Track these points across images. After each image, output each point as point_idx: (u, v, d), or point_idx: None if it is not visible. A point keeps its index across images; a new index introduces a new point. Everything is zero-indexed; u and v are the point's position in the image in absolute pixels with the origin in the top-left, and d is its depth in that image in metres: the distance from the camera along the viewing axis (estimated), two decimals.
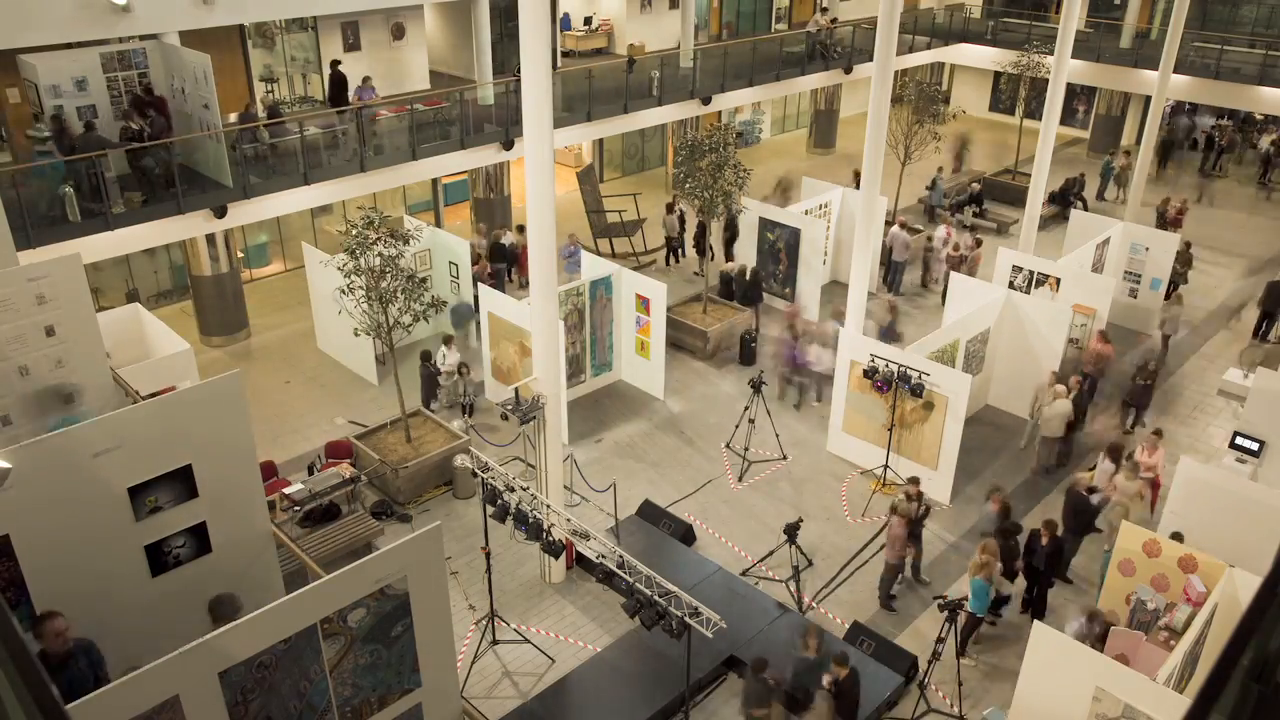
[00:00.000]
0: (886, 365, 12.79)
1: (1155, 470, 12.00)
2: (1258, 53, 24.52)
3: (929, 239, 19.92)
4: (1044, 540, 10.92)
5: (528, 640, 10.65)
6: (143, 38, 15.36)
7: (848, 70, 24.93)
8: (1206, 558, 9.20)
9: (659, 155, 26.50)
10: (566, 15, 25.59)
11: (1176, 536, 9.74)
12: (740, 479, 13.67)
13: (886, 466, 13.37)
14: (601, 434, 14.65)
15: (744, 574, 11.79)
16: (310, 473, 12.70)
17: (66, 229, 13.37)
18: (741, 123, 28.46)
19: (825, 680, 9.09)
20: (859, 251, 14.08)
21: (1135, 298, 17.76)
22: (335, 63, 17.75)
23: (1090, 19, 28.51)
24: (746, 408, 13.90)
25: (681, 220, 20.35)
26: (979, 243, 19.07)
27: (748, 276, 17.59)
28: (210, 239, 15.95)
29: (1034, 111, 22.72)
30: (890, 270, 19.51)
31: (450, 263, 16.70)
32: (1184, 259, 18.40)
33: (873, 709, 9.68)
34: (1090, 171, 24.98)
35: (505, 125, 18.21)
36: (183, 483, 6.65)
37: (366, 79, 17.63)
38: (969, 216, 22.59)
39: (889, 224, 19.61)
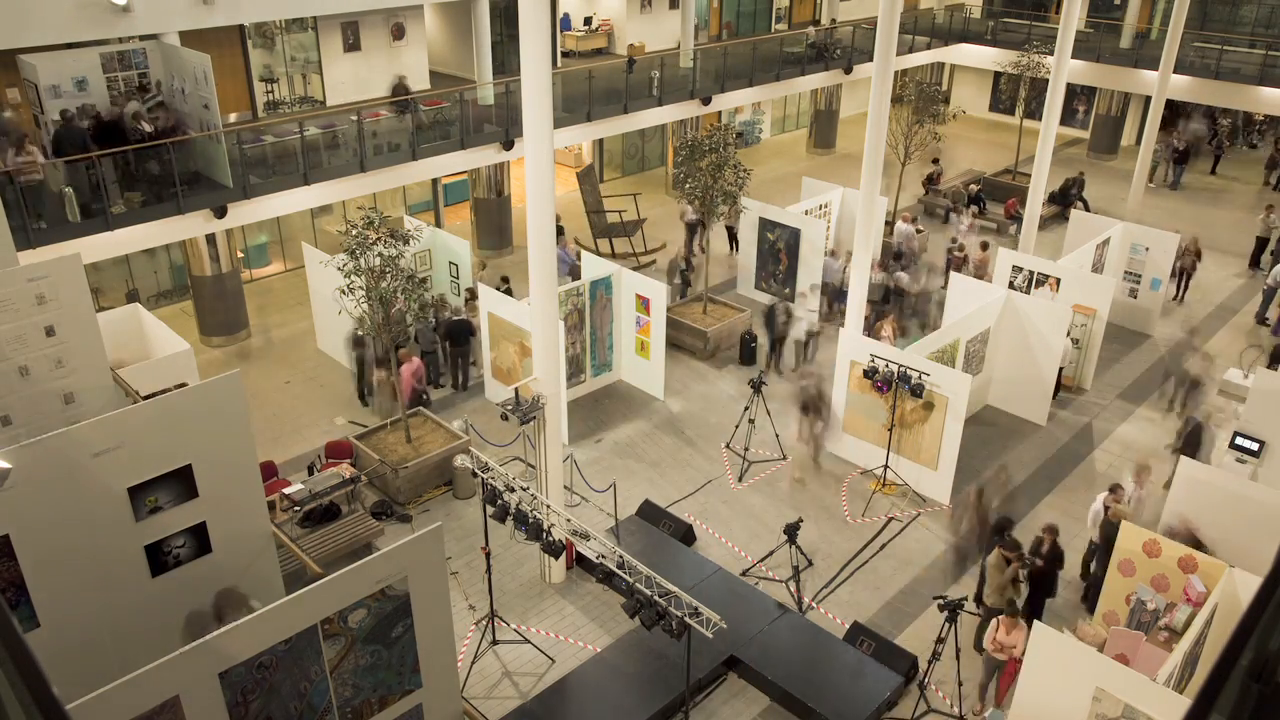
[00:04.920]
0: (886, 365, 12.79)
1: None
2: (1258, 53, 24.52)
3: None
4: (1045, 546, 10.90)
5: (528, 640, 10.65)
6: (143, 38, 15.37)
7: (848, 70, 24.93)
8: (1206, 558, 9.21)
9: (659, 155, 26.50)
10: (566, 15, 25.58)
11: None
12: (740, 479, 13.67)
13: (886, 466, 13.37)
14: (601, 434, 14.64)
15: (744, 574, 11.79)
16: (310, 473, 12.70)
17: (67, 229, 13.37)
18: (741, 123, 28.46)
19: None
20: (859, 251, 14.08)
21: (1135, 298, 17.77)
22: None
23: (1090, 19, 28.52)
24: (746, 408, 13.90)
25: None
26: (986, 246, 19.05)
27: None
28: (210, 239, 15.95)
29: (1034, 111, 22.71)
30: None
31: (450, 263, 16.70)
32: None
33: (873, 709, 9.68)
34: (1092, 172, 24.94)
35: (505, 125, 18.23)
36: (183, 483, 6.65)
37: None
38: (969, 217, 22.56)
39: (890, 223, 19.58)
